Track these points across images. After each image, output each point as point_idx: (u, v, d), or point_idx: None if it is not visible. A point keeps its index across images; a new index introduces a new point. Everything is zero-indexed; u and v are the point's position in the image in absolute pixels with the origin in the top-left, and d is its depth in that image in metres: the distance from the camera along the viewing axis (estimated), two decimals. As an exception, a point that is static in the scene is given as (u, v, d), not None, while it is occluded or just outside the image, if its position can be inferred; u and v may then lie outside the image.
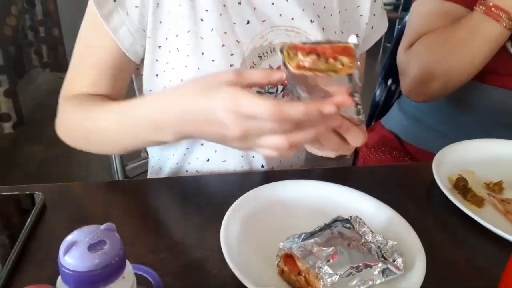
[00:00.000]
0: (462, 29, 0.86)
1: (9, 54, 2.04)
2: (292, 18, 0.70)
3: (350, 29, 0.78)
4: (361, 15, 0.79)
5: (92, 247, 0.33)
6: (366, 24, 0.79)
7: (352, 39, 0.47)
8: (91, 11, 0.65)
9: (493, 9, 0.81)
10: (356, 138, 0.49)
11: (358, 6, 0.78)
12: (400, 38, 1.06)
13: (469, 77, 0.89)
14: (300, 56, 0.46)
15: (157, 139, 0.57)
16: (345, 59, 0.45)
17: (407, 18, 1.12)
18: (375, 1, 0.79)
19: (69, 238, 0.33)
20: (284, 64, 0.46)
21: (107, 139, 0.65)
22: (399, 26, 1.23)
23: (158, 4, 0.64)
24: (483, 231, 0.59)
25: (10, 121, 2.02)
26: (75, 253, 0.32)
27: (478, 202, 0.65)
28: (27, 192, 0.60)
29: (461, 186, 0.68)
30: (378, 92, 1.36)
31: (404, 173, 0.78)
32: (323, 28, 0.72)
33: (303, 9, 0.70)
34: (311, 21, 0.71)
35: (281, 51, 0.46)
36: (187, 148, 0.75)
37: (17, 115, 2.04)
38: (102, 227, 0.35)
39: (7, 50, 2.01)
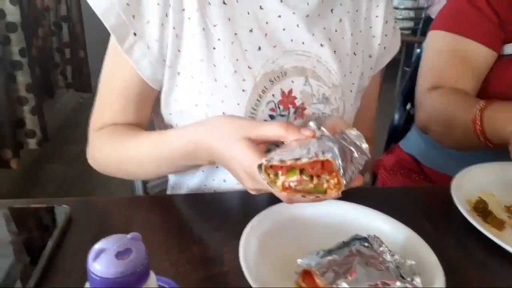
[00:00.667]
0: (460, 116, 0.85)
1: (35, 73, 2.11)
2: (303, 43, 0.72)
3: (364, 50, 0.80)
4: (373, 36, 0.80)
5: (119, 255, 0.34)
6: (379, 44, 0.81)
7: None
8: (114, 43, 0.68)
9: (478, 126, 0.79)
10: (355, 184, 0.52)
11: (371, 27, 0.80)
12: (419, 62, 1.08)
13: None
14: (281, 176, 0.47)
15: (191, 164, 0.65)
16: (328, 177, 0.46)
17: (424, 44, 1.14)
18: (386, 22, 0.80)
19: (98, 245, 0.35)
20: (269, 185, 0.47)
21: (143, 167, 0.69)
22: (418, 50, 1.24)
23: (177, 35, 0.67)
24: (504, 254, 0.59)
25: (35, 138, 2.08)
26: (103, 260, 0.34)
27: (498, 225, 0.65)
28: (54, 205, 0.62)
29: (481, 208, 0.67)
30: (396, 116, 1.37)
31: (422, 194, 0.78)
32: (334, 51, 0.74)
33: (313, 34, 0.73)
34: (321, 45, 0.73)
35: (260, 170, 0.47)
36: (203, 171, 0.76)
37: (42, 133, 2.10)
38: (128, 236, 0.36)
39: (34, 70, 2.08)
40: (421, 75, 1.02)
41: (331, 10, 0.75)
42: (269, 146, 0.58)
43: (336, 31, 0.75)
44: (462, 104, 0.87)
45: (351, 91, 0.78)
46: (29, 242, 0.57)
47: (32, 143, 2.08)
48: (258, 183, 0.52)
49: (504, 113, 0.78)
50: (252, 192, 0.56)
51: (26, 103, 2.01)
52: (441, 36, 0.98)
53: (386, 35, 0.82)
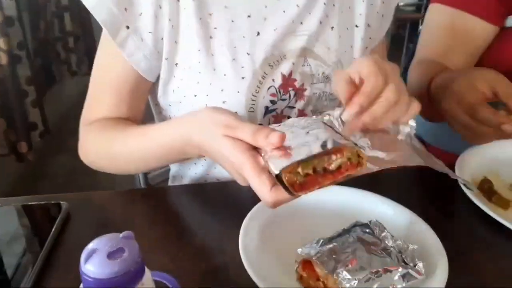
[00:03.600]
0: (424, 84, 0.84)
1: (36, 66, 2.10)
2: (301, 23, 0.70)
3: (368, 22, 0.77)
4: (371, 4, 0.77)
5: (111, 255, 0.33)
6: (377, 13, 0.78)
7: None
8: (106, 37, 0.66)
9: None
10: None
11: None
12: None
13: None
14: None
15: (180, 158, 0.63)
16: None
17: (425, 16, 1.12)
18: None
19: (90, 246, 0.34)
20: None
21: (132, 162, 0.68)
22: (421, 27, 1.22)
23: (173, 26, 0.65)
24: (509, 233, 0.58)
25: (37, 130, 2.08)
26: (95, 261, 0.33)
27: (503, 204, 0.63)
28: (52, 202, 0.62)
29: (486, 187, 0.66)
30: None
31: (425, 175, 0.76)
32: (332, 27, 0.72)
33: (309, 12, 0.70)
34: (320, 22, 0.71)
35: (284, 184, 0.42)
36: (205, 159, 0.76)
37: (44, 125, 2.11)
38: (120, 235, 0.35)
39: (33, 61, 2.07)
40: (416, 50, 1.02)
41: None
42: None
43: (334, 5, 0.73)
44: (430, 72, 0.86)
45: None
46: (27, 239, 0.57)
47: (34, 135, 2.08)
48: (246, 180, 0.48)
49: (446, 73, 0.79)
50: (243, 184, 0.52)
51: (27, 96, 2.01)
52: (440, 10, 0.97)
53: (383, 2, 0.78)
